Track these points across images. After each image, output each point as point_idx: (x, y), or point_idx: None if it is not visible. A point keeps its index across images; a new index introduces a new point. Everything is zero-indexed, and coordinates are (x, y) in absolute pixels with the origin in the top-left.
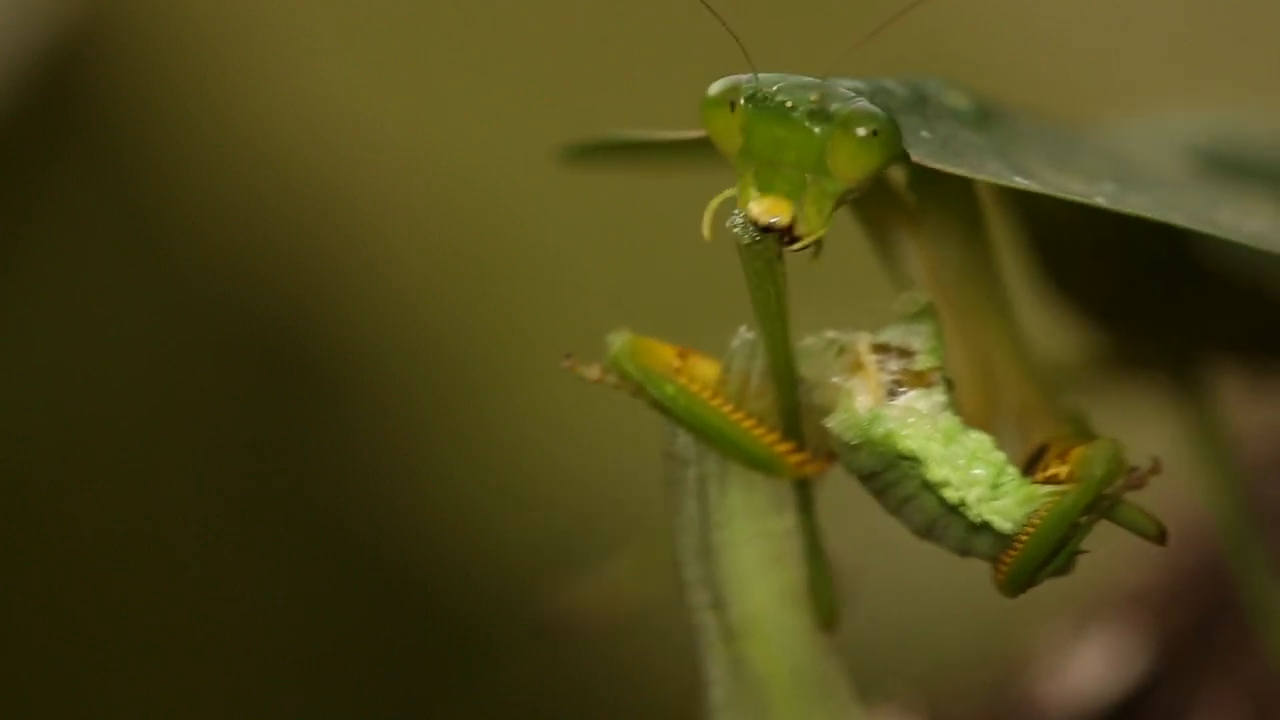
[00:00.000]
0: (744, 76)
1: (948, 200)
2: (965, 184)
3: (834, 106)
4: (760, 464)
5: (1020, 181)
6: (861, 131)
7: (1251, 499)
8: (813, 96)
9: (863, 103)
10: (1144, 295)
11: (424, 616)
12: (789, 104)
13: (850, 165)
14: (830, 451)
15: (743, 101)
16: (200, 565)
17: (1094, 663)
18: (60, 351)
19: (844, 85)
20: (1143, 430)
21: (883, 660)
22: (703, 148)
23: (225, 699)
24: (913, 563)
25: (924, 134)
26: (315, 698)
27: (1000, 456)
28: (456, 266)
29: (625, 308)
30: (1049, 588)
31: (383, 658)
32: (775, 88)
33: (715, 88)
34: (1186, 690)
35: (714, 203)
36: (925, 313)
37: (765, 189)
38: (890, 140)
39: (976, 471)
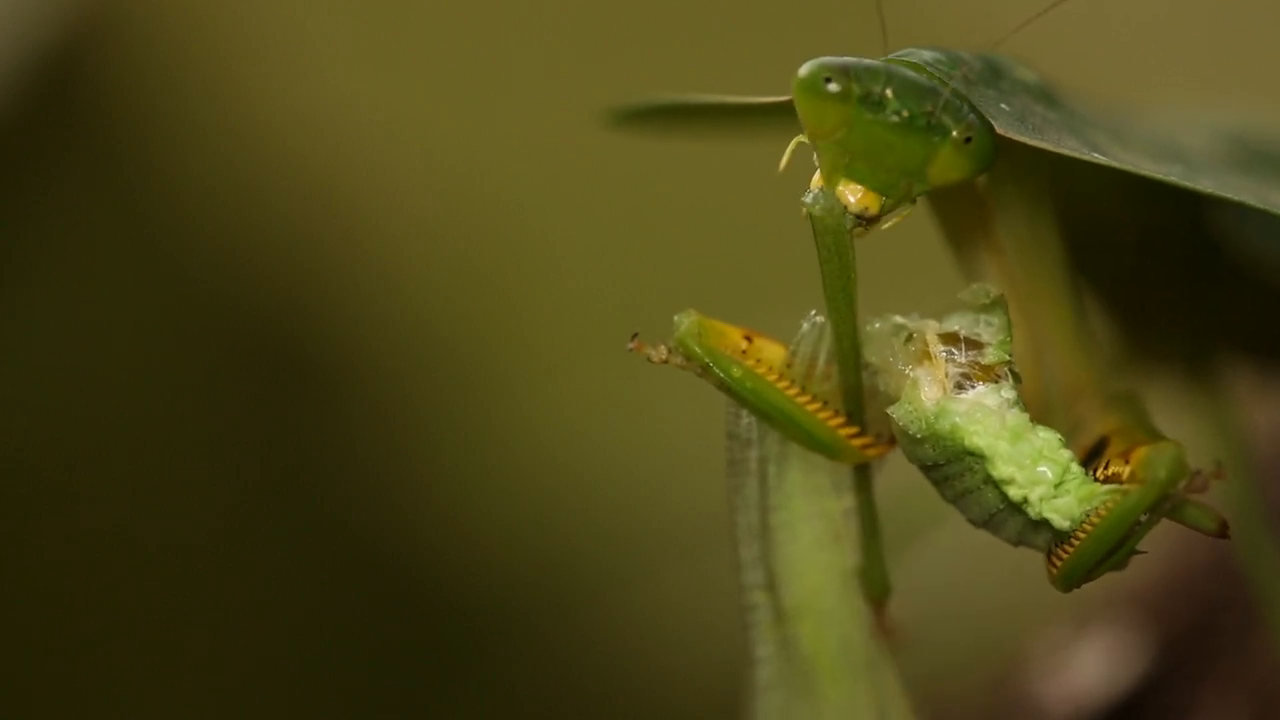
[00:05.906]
0: (846, 60)
1: (1018, 175)
2: (1036, 160)
3: (948, 120)
4: (824, 447)
5: (1099, 158)
6: (970, 146)
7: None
8: (927, 107)
9: (973, 116)
10: (1170, 285)
11: (424, 616)
12: (905, 114)
13: (949, 173)
14: (892, 436)
15: (853, 93)
16: (201, 565)
17: (1094, 663)
18: (60, 351)
19: (924, 55)
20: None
21: None
22: (758, 115)
23: (225, 699)
24: (912, 563)
25: (1004, 107)
26: (315, 698)
27: (1066, 455)
28: (456, 266)
29: (626, 308)
30: (1048, 588)
31: (383, 657)
32: (889, 91)
33: (810, 69)
34: (1187, 690)
35: (793, 143)
36: (996, 305)
37: (857, 179)
38: (991, 153)
39: (1042, 470)
